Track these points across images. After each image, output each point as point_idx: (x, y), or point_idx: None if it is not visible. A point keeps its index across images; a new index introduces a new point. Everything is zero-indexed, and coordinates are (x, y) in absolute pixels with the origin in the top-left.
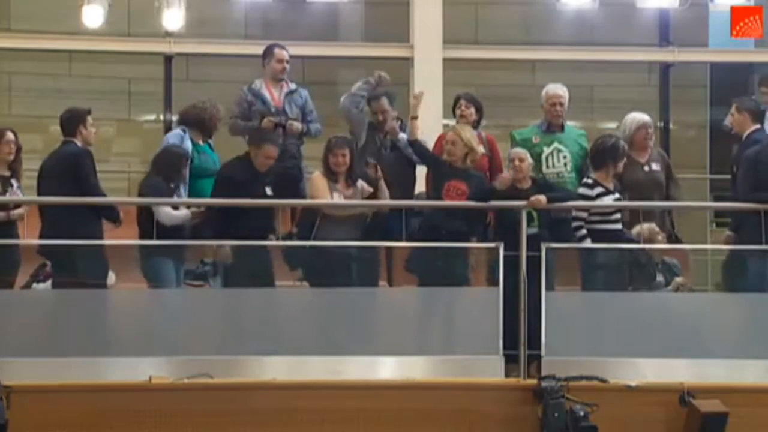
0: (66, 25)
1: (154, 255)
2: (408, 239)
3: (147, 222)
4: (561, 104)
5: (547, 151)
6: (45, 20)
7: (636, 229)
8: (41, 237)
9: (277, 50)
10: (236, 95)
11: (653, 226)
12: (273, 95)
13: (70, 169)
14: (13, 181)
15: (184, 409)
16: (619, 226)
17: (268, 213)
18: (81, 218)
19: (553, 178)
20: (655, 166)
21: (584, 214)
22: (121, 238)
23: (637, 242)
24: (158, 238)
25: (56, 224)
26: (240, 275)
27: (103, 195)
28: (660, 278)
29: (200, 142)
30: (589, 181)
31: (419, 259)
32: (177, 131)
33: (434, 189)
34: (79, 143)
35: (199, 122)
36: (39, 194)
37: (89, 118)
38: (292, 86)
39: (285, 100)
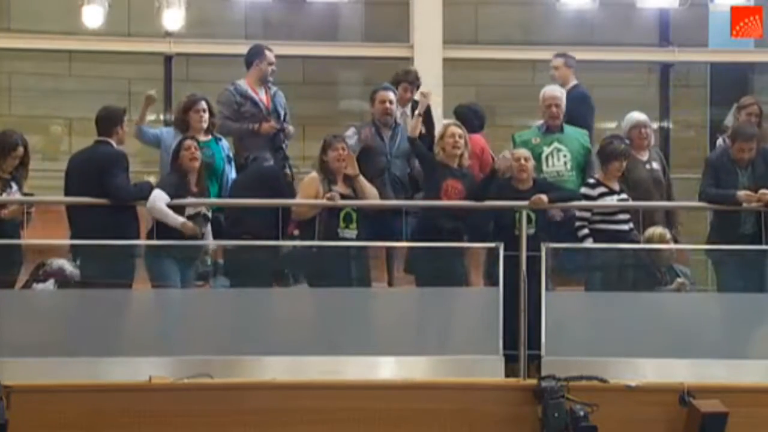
0: (66, 25)
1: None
2: (408, 240)
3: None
4: (557, 105)
5: (547, 150)
6: (45, 20)
7: (647, 233)
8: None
9: (267, 52)
10: (222, 95)
11: (665, 230)
12: (261, 97)
13: (104, 171)
14: (13, 184)
15: (184, 409)
16: (624, 227)
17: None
18: (120, 222)
19: (553, 177)
20: (655, 165)
21: (587, 214)
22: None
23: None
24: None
25: (92, 227)
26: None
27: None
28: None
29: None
30: (592, 180)
31: (420, 260)
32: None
33: (431, 189)
34: (114, 143)
35: None
36: (68, 194)
37: (126, 119)
38: (274, 88)
39: (273, 103)
